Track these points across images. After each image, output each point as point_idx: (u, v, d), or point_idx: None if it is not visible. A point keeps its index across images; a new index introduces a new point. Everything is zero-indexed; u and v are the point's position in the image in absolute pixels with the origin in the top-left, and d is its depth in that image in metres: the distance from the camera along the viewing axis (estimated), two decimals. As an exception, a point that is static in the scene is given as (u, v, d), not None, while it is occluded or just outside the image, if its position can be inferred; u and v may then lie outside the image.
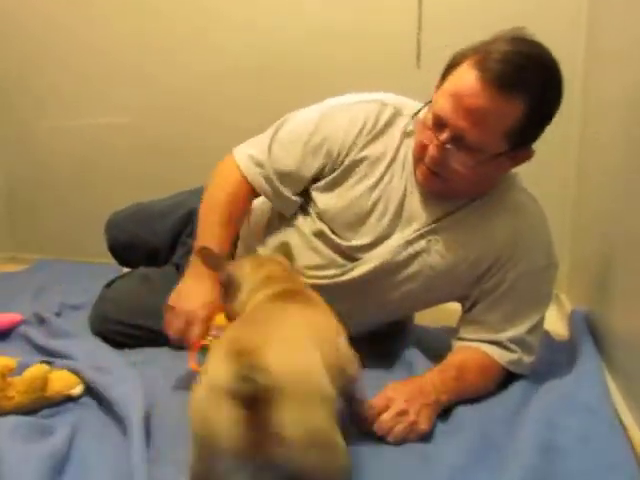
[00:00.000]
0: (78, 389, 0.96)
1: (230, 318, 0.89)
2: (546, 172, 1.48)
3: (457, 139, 0.91)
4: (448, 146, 0.92)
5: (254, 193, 1.10)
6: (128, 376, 0.99)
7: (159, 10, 1.79)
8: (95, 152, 1.99)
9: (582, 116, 1.52)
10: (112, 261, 1.49)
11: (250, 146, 1.11)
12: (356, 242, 1.05)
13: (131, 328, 1.20)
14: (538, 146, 0.98)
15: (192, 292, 1.01)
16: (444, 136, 0.92)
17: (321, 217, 1.07)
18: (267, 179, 1.08)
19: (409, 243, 1.03)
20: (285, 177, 1.07)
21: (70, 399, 0.96)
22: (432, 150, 0.95)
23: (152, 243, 1.36)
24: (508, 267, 1.00)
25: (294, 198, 1.09)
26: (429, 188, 1.03)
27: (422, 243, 1.03)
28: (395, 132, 1.07)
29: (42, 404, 0.93)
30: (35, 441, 0.79)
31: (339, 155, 1.06)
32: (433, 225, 1.03)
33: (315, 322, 0.76)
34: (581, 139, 1.56)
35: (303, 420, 0.56)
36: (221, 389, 0.55)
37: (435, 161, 0.95)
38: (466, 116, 0.89)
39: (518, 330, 0.99)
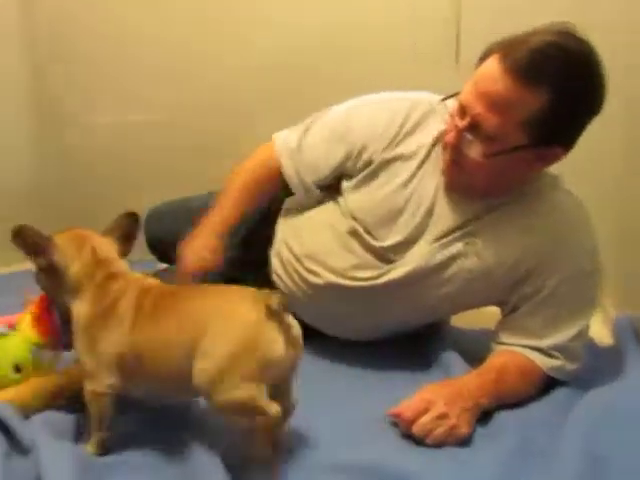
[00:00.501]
0: None
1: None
2: (591, 173, 1.43)
3: (475, 126, 0.90)
4: (467, 135, 0.91)
5: (282, 178, 1.14)
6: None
7: (193, 9, 1.80)
8: (130, 149, 2.00)
9: (627, 116, 1.47)
10: (147, 257, 1.50)
11: (288, 132, 1.17)
12: (389, 242, 1.04)
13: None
14: (581, 145, 0.95)
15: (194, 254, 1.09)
16: (463, 123, 0.91)
17: (354, 216, 1.07)
18: (295, 168, 1.12)
19: (444, 246, 1.01)
20: (311, 167, 1.12)
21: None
22: (451, 137, 0.95)
23: (190, 237, 1.37)
24: (549, 272, 0.97)
25: (317, 191, 1.13)
26: (449, 178, 1.01)
27: (458, 246, 1.00)
28: (428, 130, 1.06)
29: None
30: (71, 437, 0.80)
31: (364, 149, 1.07)
32: (469, 227, 1.00)
33: None
34: (627, 139, 1.50)
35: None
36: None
37: (453, 148, 0.95)
38: (483, 101, 0.88)
39: (560, 337, 0.96)
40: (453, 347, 1.10)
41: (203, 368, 0.69)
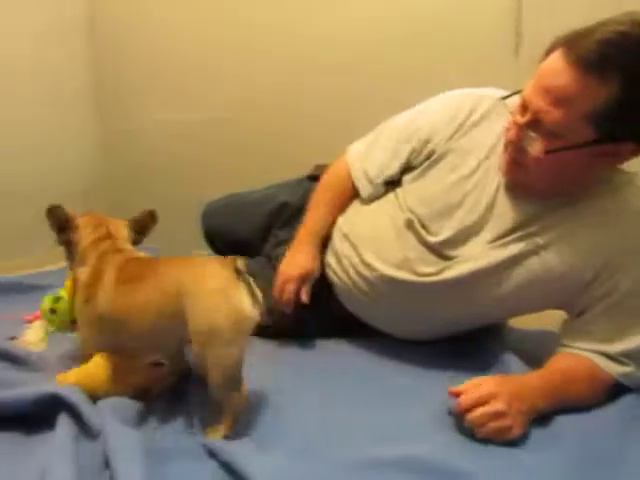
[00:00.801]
0: None
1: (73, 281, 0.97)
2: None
3: (536, 122, 0.86)
4: (528, 132, 0.87)
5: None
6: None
7: (255, 7, 1.82)
8: (190, 147, 2.05)
9: None
10: (204, 252, 1.54)
11: (359, 142, 1.20)
12: (442, 237, 1.02)
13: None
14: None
15: (292, 260, 1.15)
16: (524, 119, 0.88)
17: (410, 208, 1.05)
18: (364, 170, 1.15)
19: (504, 245, 0.97)
20: (379, 167, 1.13)
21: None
22: (511, 134, 0.91)
23: (244, 233, 1.39)
24: (621, 274, 0.91)
25: (383, 188, 1.14)
26: (510, 178, 0.98)
27: (520, 246, 0.96)
28: (492, 127, 1.03)
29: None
30: (135, 424, 0.83)
31: (429, 141, 1.06)
32: (532, 228, 0.96)
33: None
34: None
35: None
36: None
37: (514, 146, 0.92)
38: (545, 96, 0.84)
39: (631, 343, 0.90)
40: (512, 348, 1.08)
41: (194, 326, 0.79)
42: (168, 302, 0.82)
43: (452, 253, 1.01)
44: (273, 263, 1.24)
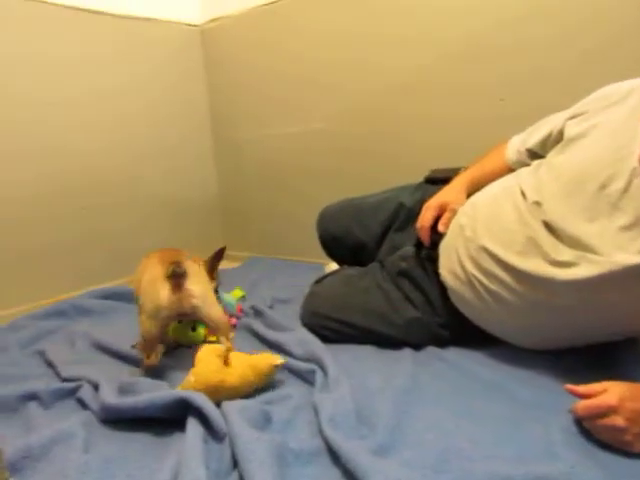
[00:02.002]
0: (280, 359, 1.02)
1: None
2: None
3: None
4: None
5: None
6: (338, 371, 1.00)
7: (356, 20, 1.81)
8: (296, 157, 2.10)
9: None
10: (312, 259, 1.55)
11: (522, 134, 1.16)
12: (570, 221, 0.87)
13: (337, 323, 1.21)
14: None
15: (438, 193, 1.19)
16: None
17: (540, 187, 0.94)
18: (518, 145, 1.13)
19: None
20: (527, 136, 1.11)
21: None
22: None
23: (360, 237, 1.38)
24: None
25: (528, 159, 1.10)
26: None
27: None
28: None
29: (257, 380, 0.99)
30: (260, 427, 0.84)
31: (583, 112, 0.95)
32: None
33: None
34: None
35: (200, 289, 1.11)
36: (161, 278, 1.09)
37: None
38: None
39: None
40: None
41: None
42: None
43: (573, 241, 0.87)
44: (386, 270, 1.21)
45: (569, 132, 0.95)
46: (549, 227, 0.90)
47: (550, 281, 0.88)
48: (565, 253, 0.87)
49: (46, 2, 1.71)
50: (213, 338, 1.25)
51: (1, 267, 1.65)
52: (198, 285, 1.11)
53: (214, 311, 1.13)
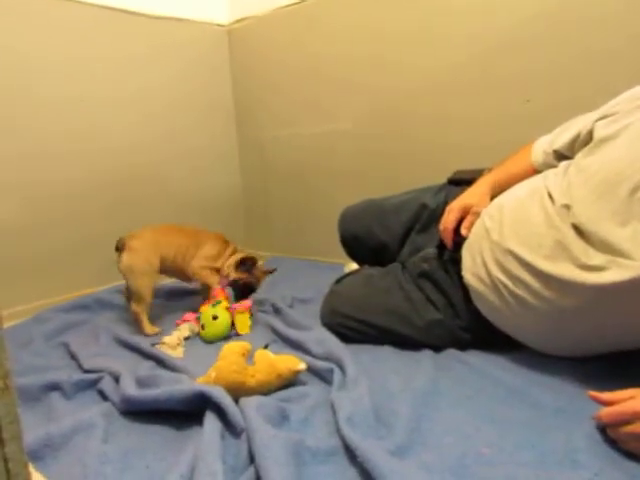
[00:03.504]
0: (303, 365, 1.01)
1: None
2: None
3: None
4: None
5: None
6: (356, 371, 1.00)
7: (384, 17, 1.81)
8: (320, 157, 2.10)
9: None
10: (334, 259, 1.54)
11: (549, 135, 1.14)
12: (600, 225, 0.84)
13: (357, 323, 1.20)
14: None
15: (461, 196, 1.18)
16: None
17: (569, 189, 0.92)
18: (544, 147, 1.12)
19: None
20: (558, 137, 1.09)
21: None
22: None
23: (382, 238, 1.37)
24: None
25: (555, 161, 1.08)
26: None
27: None
28: None
29: (277, 383, 0.98)
30: (277, 424, 0.84)
31: (613, 114, 0.93)
32: None
33: None
34: None
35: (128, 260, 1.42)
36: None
37: None
38: None
39: None
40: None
41: None
42: None
43: (601, 246, 0.84)
44: (406, 271, 1.20)
45: (599, 133, 0.93)
46: (578, 230, 0.88)
47: (579, 286, 0.85)
48: (595, 257, 0.84)
49: (82, 2, 1.75)
50: (243, 331, 1.33)
51: (31, 261, 1.69)
52: (128, 257, 1.41)
53: (133, 281, 1.41)
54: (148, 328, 1.39)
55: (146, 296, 1.41)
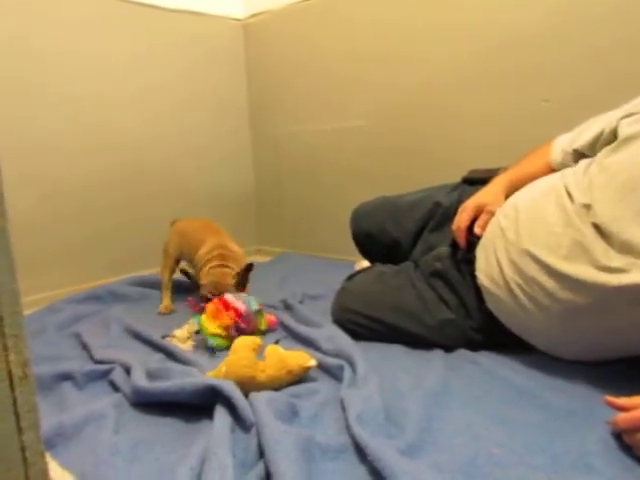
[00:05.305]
0: (313, 362, 1.01)
1: None
2: None
3: None
4: None
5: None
6: (367, 368, 1.00)
7: (388, 17, 1.79)
8: (333, 154, 2.09)
9: None
10: (345, 257, 1.54)
11: (569, 134, 1.13)
12: (623, 225, 0.83)
13: (368, 320, 1.20)
14: None
15: (475, 195, 1.17)
16: None
17: (590, 188, 0.90)
18: (563, 146, 1.11)
19: None
20: (577, 137, 1.08)
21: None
22: None
23: (394, 235, 1.36)
24: None
25: (572, 162, 1.07)
26: None
27: None
28: None
29: (287, 378, 0.98)
30: (286, 419, 0.84)
31: (627, 117, 0.92)
32: None
33: None
34: None
35: None
36: None
37: None
38: None
39: None
40: None
41: None
42: None
43: (623, 247, 0.83)
44: (419, 270, 1.19)
45: (623, 131, 0.91)
46: (599, 230, 0.86)
47: (598, 287, 0.84)
48: (615, 259, 0.83)
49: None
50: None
51: (47, 253, 1.72)
52: None
53: None
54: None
55: (163, 273, 1.60)
